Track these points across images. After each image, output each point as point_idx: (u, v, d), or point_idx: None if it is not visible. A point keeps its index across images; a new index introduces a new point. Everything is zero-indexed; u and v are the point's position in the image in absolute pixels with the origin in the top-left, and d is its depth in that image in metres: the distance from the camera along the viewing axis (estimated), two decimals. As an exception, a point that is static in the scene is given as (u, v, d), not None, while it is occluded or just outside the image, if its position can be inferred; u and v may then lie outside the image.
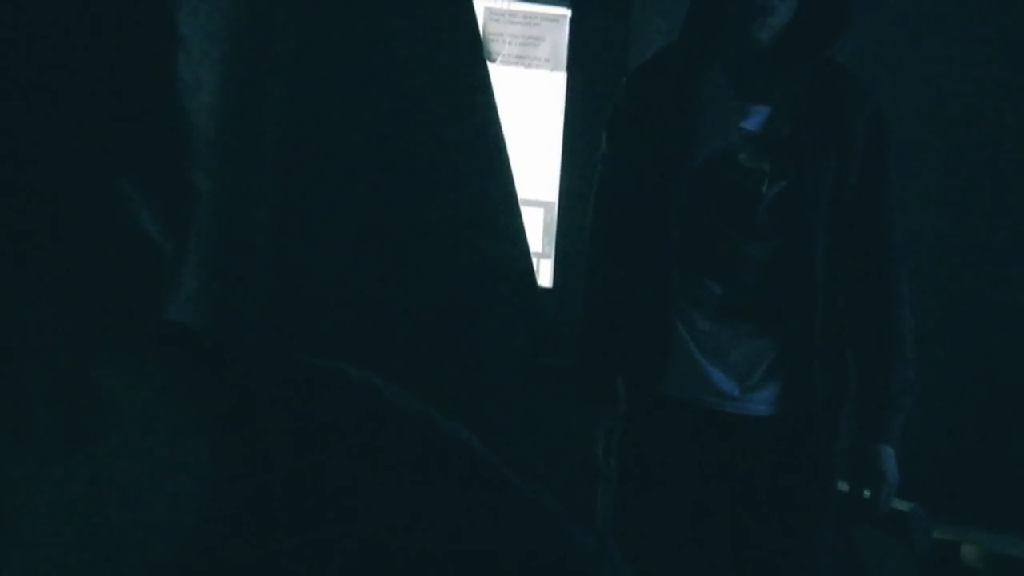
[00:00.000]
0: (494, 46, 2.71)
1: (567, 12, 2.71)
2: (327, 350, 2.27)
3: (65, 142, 0.25)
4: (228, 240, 2.10)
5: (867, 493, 1.49)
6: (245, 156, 2.23)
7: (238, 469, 0.32)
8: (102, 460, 0.29)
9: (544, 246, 2.75)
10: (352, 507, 0.32)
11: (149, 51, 0.27)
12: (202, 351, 0.34)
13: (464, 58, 2.45)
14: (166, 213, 0.28)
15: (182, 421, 0.32)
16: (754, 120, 1.47)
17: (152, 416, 0.31)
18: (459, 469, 0.34)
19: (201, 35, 1.78)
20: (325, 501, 0.32)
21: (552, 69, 2.72)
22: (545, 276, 2.71)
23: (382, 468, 0.33)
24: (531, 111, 2.72)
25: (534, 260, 2.60)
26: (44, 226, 0.25)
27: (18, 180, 0.24)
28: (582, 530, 0.35)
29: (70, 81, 0.25)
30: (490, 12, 2.72)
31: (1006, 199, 2.65)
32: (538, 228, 2.74)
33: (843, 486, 1.54)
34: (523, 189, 2.55)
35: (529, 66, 2.73)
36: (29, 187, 0.24)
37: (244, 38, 2.12)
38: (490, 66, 2.56)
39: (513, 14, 2.73)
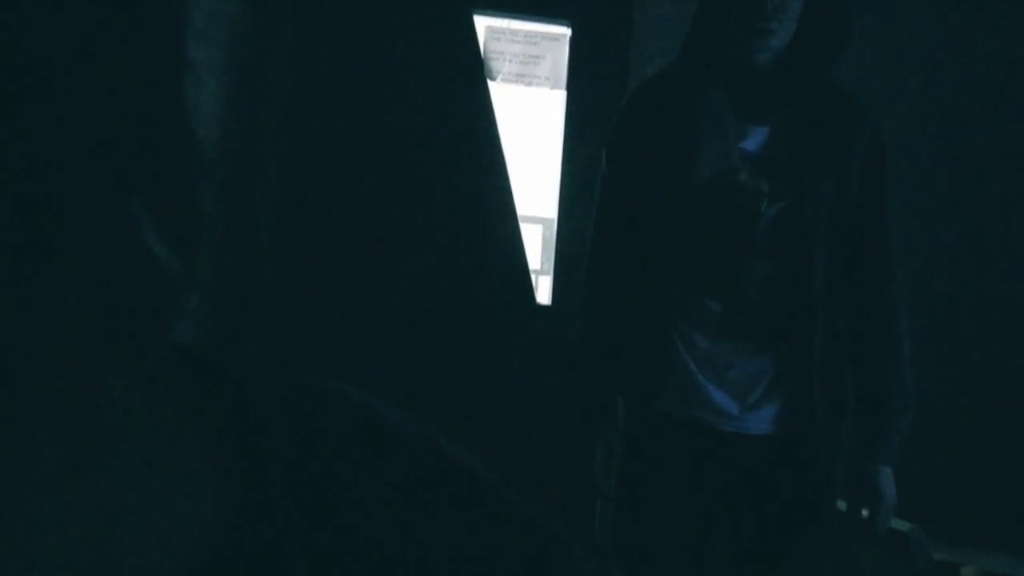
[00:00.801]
0: (495, 64, 2.72)
1: (567, 31, 2.73)
2: (326, 364, 2.27)
3: (72, 161, 0.25)
4: (227, 252, 2.10)
5: (865, 513, 1.49)
6: (244, 170, 2.23)
7: (241, 490, 0.32)
8: (107, 483, 0.29)
9: (543, 263, 2.76)
10: (354, 529, 0.32)
11: (157, 72, 0.27)
12: (204, 370, 0.34)
13: (465, 76, 2.47)
14: (174, 234, 0.27)
15: (185, 442, 0.32)
16: (753, 141, 1.47)
17: (157, 438, 0.31)
18: (460, 490, 0.34)
19: (201, 45, 1.79)
20: (327, 522, 0.32)
21: (552, 87, 2.74)
22: (544, 293, 2.71)
23: (384, 489, 0.33)
24: (531, 129, 2.74)
25: (533, 277, 2.61)
26: (49, 244, 0.25)
27: (24, 197, 0.24)
28: (584, 550, 0.35)
29: (79, 102, 0.25)
30: (491, 30, 2.74)
31: (1005, 213, 2.66)
32: (537, 245, 2.74)
33: (842, 505, 1.54)
34: (522, 206, 2.56)
35: (529, 84, 2.75)
36: (35, 205, 0.24)
37: (245, 52, 2.13)
38: (490, 84, 2.58)
39: (514, 33, 2.75)
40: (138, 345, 0.27)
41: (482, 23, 2.67)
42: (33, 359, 0.25)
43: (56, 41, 0.25)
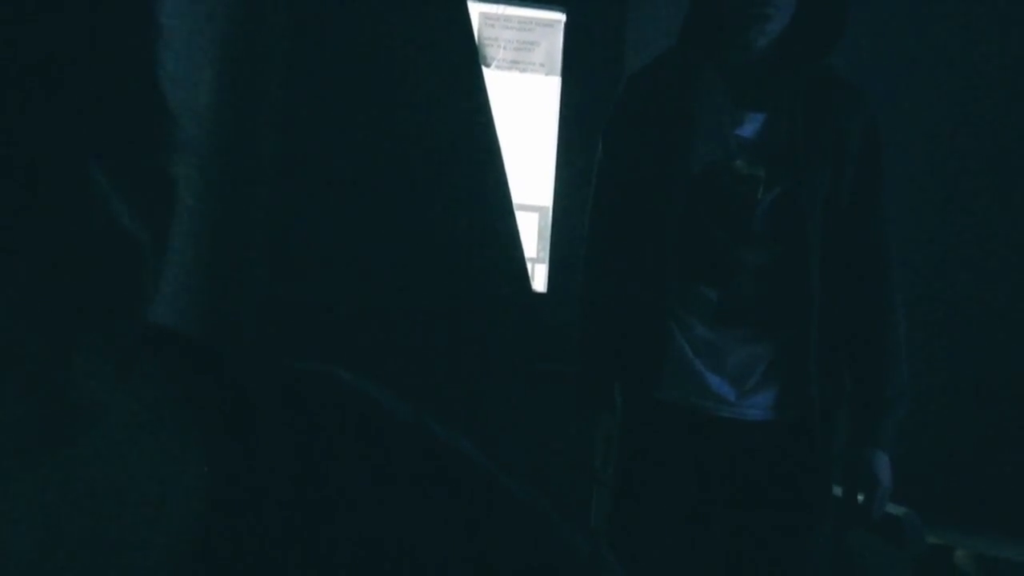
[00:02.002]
0: (489, 51, 2.71)
1: (562, 17, 2.71)
2: (320, 352, 2.27)
3: (31, 128, 0.24)
4: (223, 243, 2.10)
5: (861, 498, 1.49)
6: (241, 159, 2.22)
7: (234, 473, 0.31)
8: (82, 462, 0.28)
9: (539, 251, 2.75)
10: (347, 512, 0.32)
11: (126, 36, 0.26)
12: (196, 355, 0.33)
13: (459, 63, 2.46)
14: (143, 205, 0.27)
15: (176, 424, 0.32)
16: (750, 127, 1.47)
17: (141, 418, 0.30)
18: (453, 474, 0.34)
19: (198, 37, 1.78)
20: (320, 506, 0.32)
21: (547, 74, 2.73)
22: (540, 281, 2.71)
23: (376, 473, 0.33)
24: (526, 116, 2.73)
25: (529, 265, 2.60)
26: (9, 214, 0.24)
27: None
28: (578, 535, 0.35)
29: (42, 66, 0.24)
30: (485, 17, 2.72)
31: (1002, 203, 2.66)
32: (533, 233, 2.74)
33: (838, 491, 1.55)
34: (518, 194, 2.55)
35: (524, 71, 2.74)
36: None
37: (240, 41, 2.12)
38: (485, 71, 2.56)
39: (508, 19, 2.74)
40: (107, 316, 0.26)
41: (476, 9, 2.66)
42: None
43: (17, 4, 0.23)
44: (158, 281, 0.27)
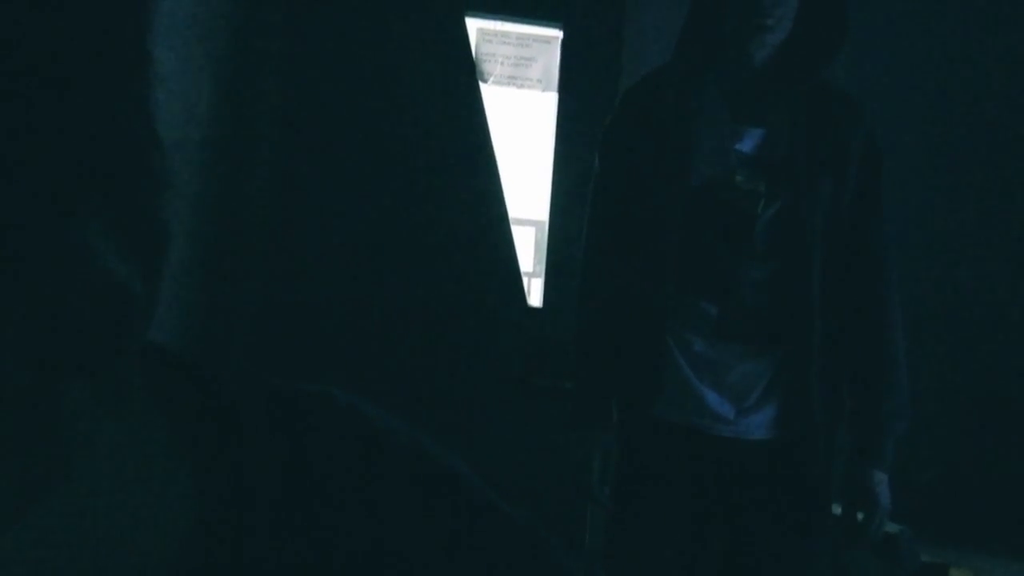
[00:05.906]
0: (486, 66, 2.72)
1: (559, 33, 2.73)
2: (313, 363, 2.26)
3: (15, 179, 0.23)
4: (217, 251, 2.09)
5: (859, 517, 1.49)
6: (238, 168, 2.22)
7: (223, 494, 0.31)
8: (75, 503, 0.28)
9: (535, 265, 2.75)
10: (339, 533, 0.32)
11: (116, 80, 0.25)
12: (185, 374, 0.33)
13: (456, 77, 2.46)
14: (135, 254, 0.26)
15: (163, 445, 0.31)
16: (749, 142, 1.47)
17: (128, 439, 0.30)
18: (447, 495, 0.34)
19: (196, 45, 1.78)
20: (311, 527, 0.31)
21: (544, 89, 2.73)
22: (536, 295, 2.71)
23: (369, 493, 0.33)
24: (523, 131, 2.73)
25: (525, 279, 2.60)
26: None
27: None
28: (570, 556, 0.35)
29: (22, 111, 0.23)
30: (482, 32, 2.73)
31: (1002, 212, 2.66)
32: (529, 247, 2.74)
33: (836, 509, 1.54)
34: (514, 208, 2.55)
35: (521, 86, 2.74)
36: None
37: (239, 54, 2.12)
38: (482, 86, 2.57)
39: (505, 35, 2.75)
40: (98, 366, 0.26)
41: (473, 24, 2.67)
42: None
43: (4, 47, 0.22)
44: (147, 328, 0.27)
